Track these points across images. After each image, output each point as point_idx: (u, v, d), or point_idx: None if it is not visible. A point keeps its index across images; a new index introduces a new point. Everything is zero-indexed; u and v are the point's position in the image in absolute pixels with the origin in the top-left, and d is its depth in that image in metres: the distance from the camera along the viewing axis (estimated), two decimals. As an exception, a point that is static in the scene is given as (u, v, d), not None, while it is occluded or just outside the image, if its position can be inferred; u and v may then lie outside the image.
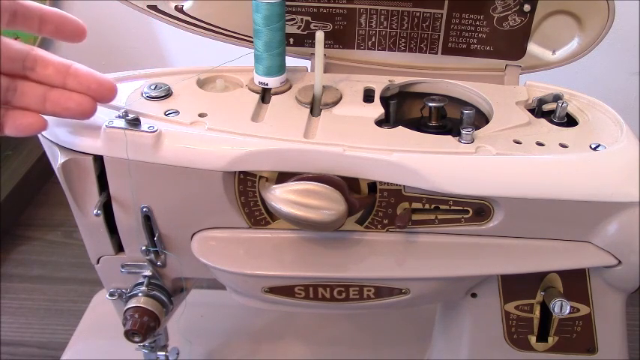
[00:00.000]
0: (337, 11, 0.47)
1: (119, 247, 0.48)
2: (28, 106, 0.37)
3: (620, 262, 0.43)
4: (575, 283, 0.46)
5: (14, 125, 0.37)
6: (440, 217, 0.43)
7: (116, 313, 0.53)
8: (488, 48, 0.48)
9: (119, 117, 0.40)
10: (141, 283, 0.48)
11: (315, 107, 0.45)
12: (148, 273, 0.48)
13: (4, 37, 0.35)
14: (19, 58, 0.36)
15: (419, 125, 0.46)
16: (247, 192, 0.43)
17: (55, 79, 0.37)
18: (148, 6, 0.48)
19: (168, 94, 0.45)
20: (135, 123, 0.40)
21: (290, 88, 0.47)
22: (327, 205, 0.39)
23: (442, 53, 0.49)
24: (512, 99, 0.47)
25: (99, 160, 0.42)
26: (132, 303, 0.47)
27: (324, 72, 0.46)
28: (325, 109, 0.44)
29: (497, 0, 0.46)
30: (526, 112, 0.46)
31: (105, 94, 0.38)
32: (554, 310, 0.45)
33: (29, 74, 0.37)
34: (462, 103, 0.48)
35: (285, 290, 0.45)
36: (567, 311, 0.45)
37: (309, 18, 0.48)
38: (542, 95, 0.47)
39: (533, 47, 0.48)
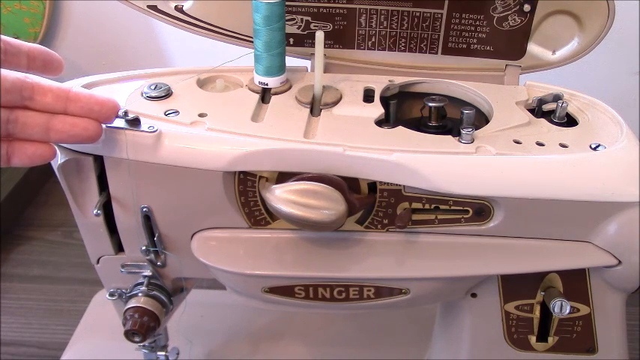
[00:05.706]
0: (337, 11, 0.47)
1: (119, 247, 0.48)
2: (31, 136, 0.36)
3: (620, 262, 0.43)
4: (575, 283, 0.46)
5: (27, 155, 0.36)
6: (440, 217, 0.43)
7: (116, 313, 0.53)
8: (488, 48, 0.48)
9: (119, 117, 0.40)
10: (141, 283, 0.48)
11: (315, 107, 0.45)
12: (148, 273, 0.48)
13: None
14: (15, 90, 0.35)
15: (419, 125, 0.46)
16: (247, 192, 0.43)
17: (55, 105, 0.36)
18: (148, 6, 0.48)
19: (168, 94, 0.45)
20: (135, 123, 0.40)
21: (290, 88, 0.47)
22: (327, 205, 0.39)
23: (442, 53, 0.49)
24: (512, 99, 0.47)
25: (99, 160, 0.42)
26: (132, 303, 0.48)
27: (324, 72, 0.46)
28: (325, 109, 0.44)
29: (497, 0, 0.46)
30: (526, 112, 0.46)
31: (108, 115, 0.38)
32: (554, 310, 0.45)
33: (29, 104, 0.36)
34: (462, 103, 0.48)
35: (285, 290, 0.45)
36: (567, 311, 0.45)
37: (309, 18, 0.48)
38: (542, 95, 0.47)
39: (533, 47, 0.48)
